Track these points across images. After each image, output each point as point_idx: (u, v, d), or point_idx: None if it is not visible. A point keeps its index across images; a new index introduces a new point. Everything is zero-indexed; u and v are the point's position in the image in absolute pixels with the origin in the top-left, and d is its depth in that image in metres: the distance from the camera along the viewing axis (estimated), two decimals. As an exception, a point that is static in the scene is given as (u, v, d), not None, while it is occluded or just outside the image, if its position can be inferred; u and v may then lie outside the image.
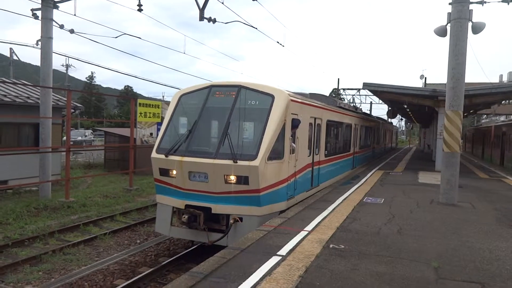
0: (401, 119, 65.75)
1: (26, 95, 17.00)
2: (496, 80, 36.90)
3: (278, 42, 19.38)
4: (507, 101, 26.27)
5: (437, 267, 5.44)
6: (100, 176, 21.00)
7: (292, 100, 8.85)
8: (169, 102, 10.24)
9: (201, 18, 13.70)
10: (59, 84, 44.99)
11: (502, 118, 38.74)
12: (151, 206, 14.23)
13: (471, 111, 27.48)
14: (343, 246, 6.25)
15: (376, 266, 5.42)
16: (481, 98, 18.23)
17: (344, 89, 43.99)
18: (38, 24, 14.35)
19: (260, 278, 4.84)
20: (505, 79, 37.34)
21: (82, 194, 15.61)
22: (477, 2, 10.63)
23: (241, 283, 4.67)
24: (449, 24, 10.06)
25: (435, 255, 5.98)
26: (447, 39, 10.15)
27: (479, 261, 5.77)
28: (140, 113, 17.59)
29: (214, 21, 14.38)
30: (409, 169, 19.31)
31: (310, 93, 12.62)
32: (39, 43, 14.61)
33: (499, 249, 6.37)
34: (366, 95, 42.51)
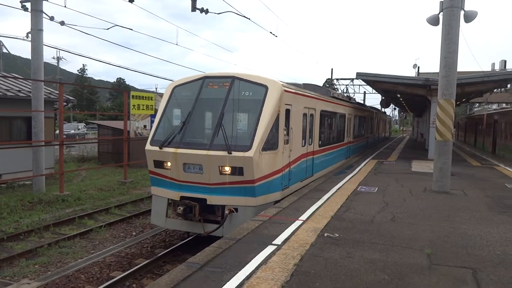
0: (395, 109, 66.10)
1: (17, 89, 16.82)
2: (488, 68, 37.09)
3: (271, 33, 19.32)
4: (499, 89, 26.49)
5: (430, 253, 5.53)
6: (94, 169, 20.93)
7: (285, 91, 8.86)
8: (162, 94, 10.20)
9: (193, 8, 13.61)
10: (51, 77, 44.49)
11: (494, 106, 39.07)
12: (146, 199, 14.24)
13: (464, 100, 27.66)
14: (337, 235, 6.32)
15: (370, 253, 5.50)
16: (473, 87, 18.35)
17: (337, 79, 43.94)
18: (27, 16, 14.17)
19: (256, 267, 4.89)
20: (497, 67, 37.54)
21: (76, 187, 15.57)
22: (469, -9, 10.65)
23: (237, 272, 4.73)
24: (441, 13, 10.08)
25: (428, 242, 6.07)
26: (439, 28, 10.19)
27: (470, 247, 5.88)
28: (133, 106, 17.49)
29: (207, 11, 14.29)
30: (402, 158, 19.46)
31: (303, 84, 12.62)
32: (29, 35, 14.41)
33: (490, 235, 6.48)
34: (359, 85, 42.53)
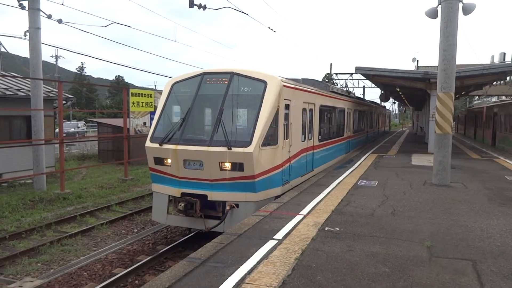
0: (394, 103, 66.07)
1: (16, 88, 16.80)
2: (487, 61, 37.02)
3: (269, 28, 19.28)
4: (499, 82, 26.43)
5: (430, 246, 5.56)
6: (95, 167, 20.95)
7: (284, 86, 8.86)
8: (162, 91, 10.20)
9: (191, 4, 13.57)
10: (49, 76, 44.40)
11: (494, 99, 38.98)
12: (147, 196, 14.27)
13: (463, 93, 27.60)
14: (338, 229, 6.35)
15: (371, 246, 5.52)
16: (473, 80, 18.32)
17: (336, 74, 43.79)
18: (25, 14, 14.13)
19: (257, 262, 4.92)
20: (496, 60, 37.44)
21: (77, 185, 15.59)
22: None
23: (239, 267, 4.75)
24: (440, 6, 10.06)
25: (428, 234, 6.10)
26: (438, 20, 10.16)
27: (471, 239, 5.90)
28: (133, 103, 17.50)
29: (205, 7, 14.25)
30: (402, 152, 19.48)
31: (302, 79, 12.60)
32: (27, 34, 14.39)
33: (490, 227, 6.51)
34: (358, 79, 42.41)
